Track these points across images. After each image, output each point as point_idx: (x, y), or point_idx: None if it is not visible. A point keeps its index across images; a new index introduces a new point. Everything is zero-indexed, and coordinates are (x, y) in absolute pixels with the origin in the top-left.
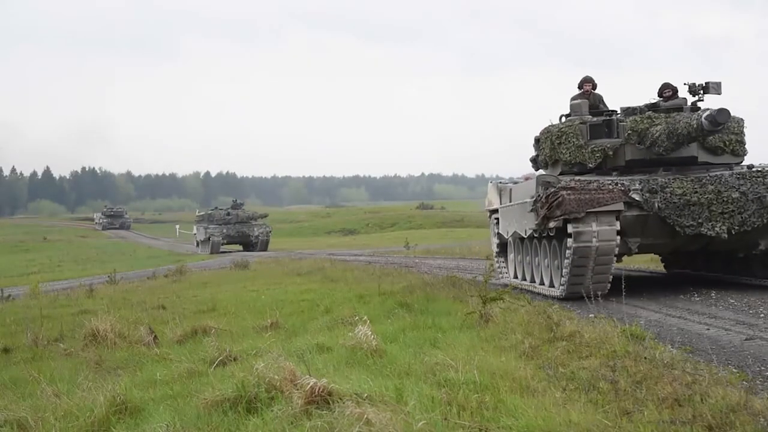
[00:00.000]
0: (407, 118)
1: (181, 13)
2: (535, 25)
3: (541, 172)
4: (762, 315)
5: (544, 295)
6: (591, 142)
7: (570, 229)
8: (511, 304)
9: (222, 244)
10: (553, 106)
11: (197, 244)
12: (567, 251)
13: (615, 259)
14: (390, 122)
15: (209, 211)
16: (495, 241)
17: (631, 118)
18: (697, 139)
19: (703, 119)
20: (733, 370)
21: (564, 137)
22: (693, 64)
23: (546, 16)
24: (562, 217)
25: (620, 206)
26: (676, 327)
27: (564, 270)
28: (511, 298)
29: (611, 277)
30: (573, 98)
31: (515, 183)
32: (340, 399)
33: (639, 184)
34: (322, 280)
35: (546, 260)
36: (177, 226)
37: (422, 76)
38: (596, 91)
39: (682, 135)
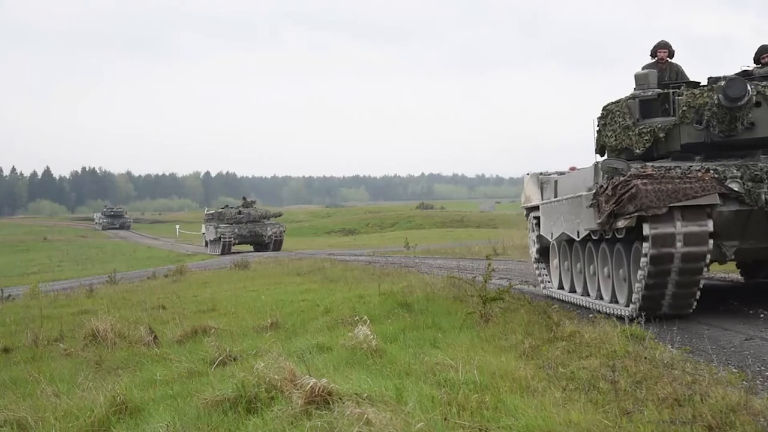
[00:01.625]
0: (407, 118)
1: (180, 12)
2: (534, 25)
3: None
4: None
5: (606, 314)
6: (640, 123)
7: (646, 229)
8: (511, 304)
9: (233, 244)
10: (553, 106)
11: (206, 244)
12: (642, 258)
13: (705, 268)
14: (390, 122)
15: (219, 210)
16: (534, 244)
17: (689, 91)
18: (735, 117)
19: (719, 94)
20: (733, 370)
21: (610, 117)
22: (692, 64)
23: (545, 16)
24: (635, 214)
25: (714, 199)
26: None
27: (636, 283)
28: (511, 298)
29: (698, 292)
30: (643, 68)
31: (561, 174)
32: (340, 399)
33: (737, 170)
34: (322, 280)
35: (606, 269)
36: (177, 226)
37: (422, 76)
38: (674, 61)
39: (721, 113)
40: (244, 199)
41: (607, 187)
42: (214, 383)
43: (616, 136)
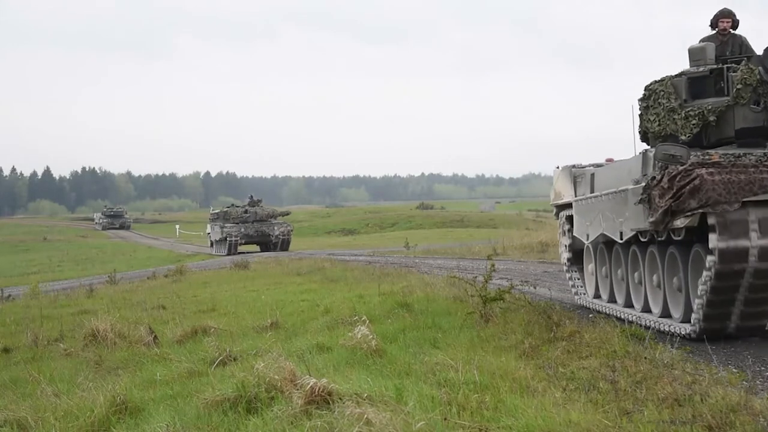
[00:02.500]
0: (407, 118)
1: (180, 13)
2: (534, 26)
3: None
4: None
5: (658, 331)
6: (688, 104)
7: (713, 241)
8: (511, 304)
9: (239, 245)
10: (553, 106)
11: (211, 245)
12: (708, 264)
13: None
14: (390, 122)
15: (225, 209)
16: (566, 246)
17: (745, 66)
18: None
19: (759, 67)
20: (733, 370)
21: (653, 98)
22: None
23: (545, 16)
24: (698, 211)
25: None
26: None
27: (699, 296)
28: (511, 298)
29: None
30: (700, 41)
31: (598, 166)
32: (340, 399)
33: None
34: (322, 280)
35: (655, 277)
36: (177, 226)
37: (422, 76)
38: (738, 32)
39: (765, 90)
40: (251, 197)
41: (661, 179)
42: (214, 383)
43: (659, 120)
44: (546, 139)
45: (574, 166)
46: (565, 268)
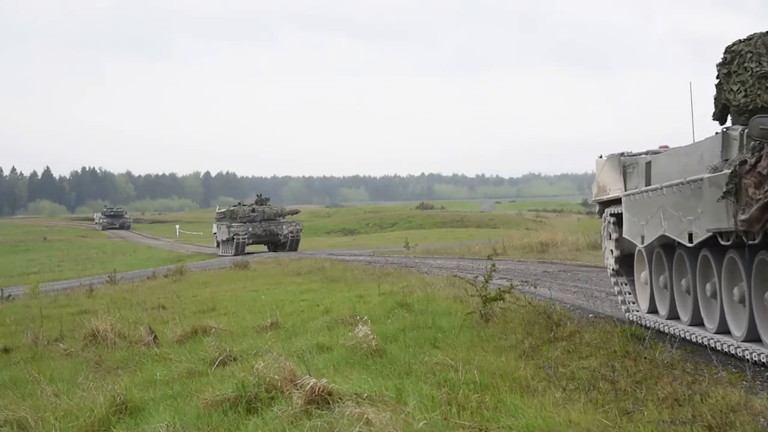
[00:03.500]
0: (407, 118)
1: (180, 13)
2: (534, 26)
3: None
4: None
5: (741, 360)
6: None
7: None
8: (511, 304)
9: (247, 244)
10: (553, 106)
11: (217, 245)
12: None
13: None
14: (390, 122)
15: (231, 208)
16: (612, 251)
17: None
18: None
19: None
20: (733, 370)
21: (737, 62)
22: (690, 64)
23: (545, 16)
24: None
25: None
26: None
27: None
28: (511, 298)
29: None
30: None
31: (655, 153)
32: (340, 399)
33: None
34: (322, 280)
35: (736, 290)
36: (177, 226)
37: (422, 76)
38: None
39: None
40: (259, 196)
41: (757, 163)
42: (214, 383)
43: (745, 89)
44: (546, 139)
45: (623, 154)
46: (611, 276)
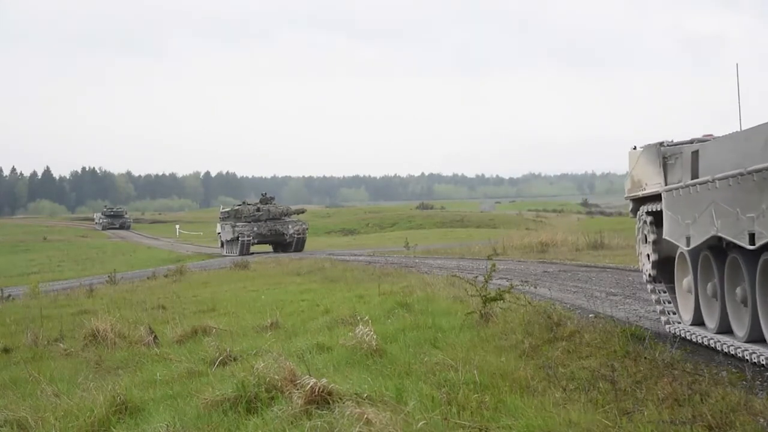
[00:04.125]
0: (407, 118)
1: (180, 13)
2: (534, 26)
3: None
4: None
5: None
6: None
7: None
8: (511, 304)
9: (252, 244)
10: (553, 106)
11: (222, 245)
12: None
13: None
14: (390, 122)
15: (236, 207)
16: (649, 255)
17: None
18: None
19: None
20: (733, 370)
21: None
22: (689, 64)
23: (545, 17)
24: None
25: None
26: None
27: None
28: (511, 298)
29: None
30: None
31: (702, 142)
32: (340, 399)
33: None
34: (322, 280)
35: None
36: (177, 226)
37: (422, 76)
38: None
39: None
40: (263, 194)
41: None
42: (214, 383)
43: None
44: (546, 139)
45: (662, 144)
46: (647, 282)
